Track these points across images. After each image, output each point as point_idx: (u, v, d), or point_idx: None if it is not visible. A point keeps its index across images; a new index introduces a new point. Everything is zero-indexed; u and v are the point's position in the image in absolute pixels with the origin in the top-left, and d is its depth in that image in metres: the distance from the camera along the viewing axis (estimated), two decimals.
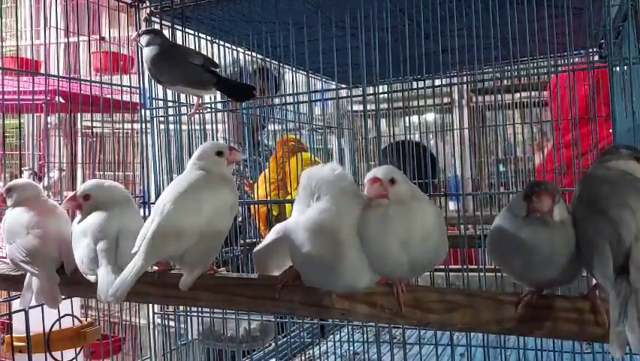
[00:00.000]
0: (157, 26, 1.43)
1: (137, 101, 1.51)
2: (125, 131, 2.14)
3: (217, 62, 1.39)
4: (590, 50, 1.55)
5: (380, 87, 1.35)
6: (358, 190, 0.89)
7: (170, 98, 1.45)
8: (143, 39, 1.21)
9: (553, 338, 1.19)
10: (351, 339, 1.73)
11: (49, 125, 2.88)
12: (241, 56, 1.63)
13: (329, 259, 0.82)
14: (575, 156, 1.25)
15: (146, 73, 1.29)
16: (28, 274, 1.03)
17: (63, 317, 1.37)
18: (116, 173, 2.93)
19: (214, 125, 1.60)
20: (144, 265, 0.89)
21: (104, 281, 0.93)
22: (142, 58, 1.25)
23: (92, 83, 1.48)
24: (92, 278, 0.96)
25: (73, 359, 1.41)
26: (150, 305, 1.50)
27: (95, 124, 1.47)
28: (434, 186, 1.75)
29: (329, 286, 0.85)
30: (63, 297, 1.08)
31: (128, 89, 1.59)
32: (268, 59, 1.60)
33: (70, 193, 1.10)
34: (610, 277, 0.67)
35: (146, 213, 1.41)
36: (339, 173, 0.86)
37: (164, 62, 1.20)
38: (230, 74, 1.66)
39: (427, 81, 1.39)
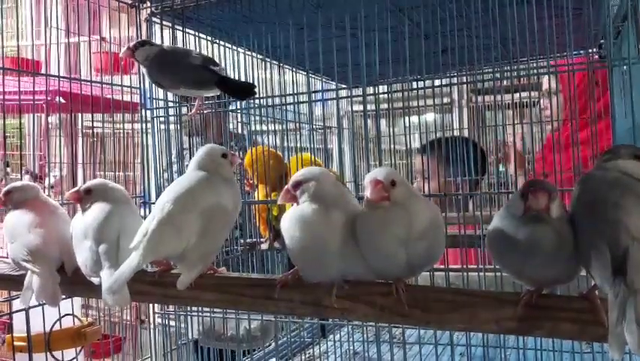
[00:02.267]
0: (157, 27, 1.43)
1: (138, 101, 1.52)
2: (125, 131, 2.14)
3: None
4: (590, 50, 1.55)
5: (380, 87, 1.36)
6: (345, 190, 0.93)
7: (170, 98, 1.45)
8: (140, 55, 1.20)
9: (553, 337, 1.19)
10: (351, 339, 1.73)
11: (49, 126, 2.88)
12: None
13: (314, 247, 0.85)
14: (589, 156, 1.24)
15: (147, 78, 1.29)
16: (29, 273, 1.03)
17: (64, 316, 1.37)
18: (117, 173, 2.94)
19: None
20: (142, 261, 0.89)
21: (108, 285, 0.93)
22: (140, 67, 1.25)
23: (93, 84, 1.49)
24: (95, 281, 0.96)
25: (73, 358, 1.41)
26: (150, 305, 1.51)
27: (95, 124, 1.48)
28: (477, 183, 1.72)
29: (322, 276, 0.86)
30: (63, 296, 1.08)
31: (129, 89, 1.59)
32: (268, 60, 1.60)
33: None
34: (608, 278, 0.67)
35: (146, 213, 1.41)
36: (326, 173, 0.90)
37: (165, 66, 1.20)
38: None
39: (427, 81, 1.39)
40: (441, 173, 1.69)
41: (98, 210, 1.03)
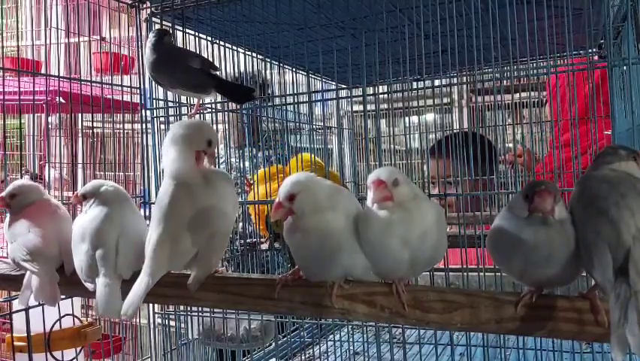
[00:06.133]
0: (157, 27, 1.43)
1: (138, 101, 1.52)
2: (125, 131, 2.14)
3: (217, 62, 1.39)
4: (590, 50, 1.55)
5: (380, 87, 1.36)
6: (340, 188, 0.92)
7: (170, 98, 1.46)
8: (149, 44, 1.21)
9: (553, 338, 1.19)
10: (351, 339, 1.73)
11: (49, 126, 2.88)
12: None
13: (318, 254, 0.85)
14: (575, 156, 1.25)
15: (147, 74, 1.29)
16: (28, 273, 1.03)
17: (64, 316, 1.37)
18: (117, 173, 2.94)
19: (214, 126, 1.60)
20: (152, 281, 0.88)
21: (102, 292, 0.92)
22: (142, 59, 1.25)
23: (93, 84, 1.49)
24: (90, 287, 0.96)
25: (73, 358, 1.41)
26: (150, 305, 1.50)
27: (95, 124, 1.48)
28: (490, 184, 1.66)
29: (324, 276, 0.86)
30: (63, 297, 1.08)
31: (129, 89, 1.59)
32: (268, 60, 1.61)
33: (71, 193, 1.10)
34: (610, 279, 0.67)
35: (146, 213, 1.42)
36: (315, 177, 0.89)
37: (164, 66, 1.20)
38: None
39: (426, 81, 1.39)
40: (455, 172, 1.68)
41: (96, 212, 1.01)
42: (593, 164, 0.83)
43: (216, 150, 0.99)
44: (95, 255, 0.96)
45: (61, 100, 1.90)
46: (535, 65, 1.28)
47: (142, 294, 0.86)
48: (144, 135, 1.45)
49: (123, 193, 1.08)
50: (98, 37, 3.07)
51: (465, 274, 1.33)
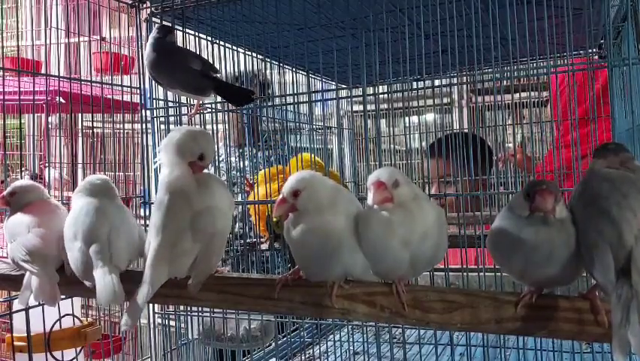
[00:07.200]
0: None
1: (138, 101, 1.52)
2: (125, 131, 2.14)
3: (217, 62, 1.39)
4: (590, 50, 1.55)
5: (380, 87, 1.36)
6: (342, 188, 0.93)
7: (170, 98, 1.46)
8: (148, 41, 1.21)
9: (553, 338, 1.19)
10: (351, 339, 1.73)
11: (49, 126, 2.88)
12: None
13: (318, 253, 0.86)
14: (575, 158, 1.25)
15: (147, 74, 1.29)
16: (28, 273, 1.03)
17: (64, 316, 1.37)
18: (117, 173, 2.94)
19: (214, 126, 1.60)
20: (152, 290, 0.88)
21: (101, 283, 0.92)
22: (142, 59, 1.25)
23: (93, 84, 1.49)
24: (88, 284, 0.95)
25: (73, 358, 1.41)
26: (150, 305, 1.50)
27: (95, 124, 1.48)
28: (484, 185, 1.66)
29: (324, 276, 0.86)
30: (63, 297, 1.08)
31: (129, 89, 1.59)
32: (268, 60, 1.61)
33: (71, 193, 1.10)
34: (611, 280, 0.67)
35: (147, 213, 1.42)
36: (318, 176, 0.90)
37: (164, 66, 1.20)
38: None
39: (426, 81, 1.39)
40: (453, 173, 1.68)
41: (85, 206, 1.01)
42: (595, 161, 0.82)
43: (212, 158, 0.99)
44: (88, 251, 0.95)
45: (61, 100, 1.90)
46: (535, 65, 1.28)
47: (143, 303, 0.86)
48: (144, 135, 1.45)
49: (110, 186, 1.07)
50: (98, 37, 3.07)
51: (465, 274, 1.33)
